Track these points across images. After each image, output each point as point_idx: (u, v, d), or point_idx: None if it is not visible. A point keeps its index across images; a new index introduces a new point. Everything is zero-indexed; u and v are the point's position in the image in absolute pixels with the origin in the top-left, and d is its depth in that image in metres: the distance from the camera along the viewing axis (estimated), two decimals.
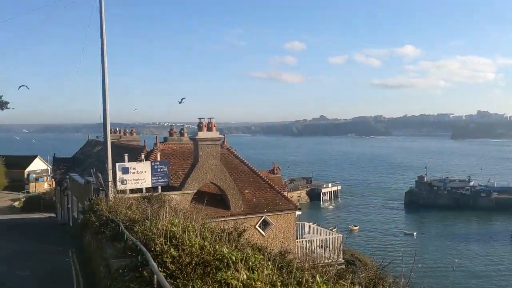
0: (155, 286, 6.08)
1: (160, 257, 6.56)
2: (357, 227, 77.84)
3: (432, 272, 50.08)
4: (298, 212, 26.54)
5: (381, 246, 64.09)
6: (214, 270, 5.97)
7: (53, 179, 55.20)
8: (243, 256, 5.78)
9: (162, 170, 21.41)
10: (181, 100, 27.51)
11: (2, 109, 53.69)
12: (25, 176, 78.83)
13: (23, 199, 62.57)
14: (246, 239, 9.73)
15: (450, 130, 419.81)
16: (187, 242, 6.84)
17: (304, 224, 29.14)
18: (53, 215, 47.49)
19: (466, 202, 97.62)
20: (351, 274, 6.28)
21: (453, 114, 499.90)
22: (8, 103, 54.51)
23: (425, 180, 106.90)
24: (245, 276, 4.86)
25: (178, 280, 5.99)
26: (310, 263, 6.88)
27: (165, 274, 5.98)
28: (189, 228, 7.75)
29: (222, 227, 9.64)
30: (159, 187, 21.12)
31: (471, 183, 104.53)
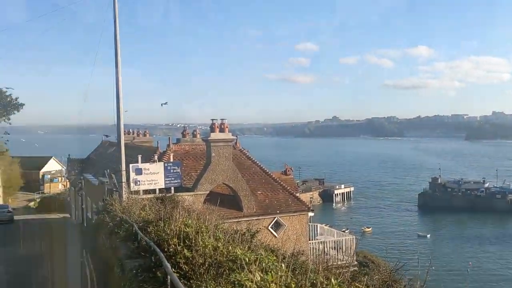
0: (169, 287, 6.09)
1: (173, 258, 6.59)
2: (370, 229, 77.31)
3: (446, 274, 49.56)
4: (310, 214, 26.45)
5: (395, 248, 63.59)
6: (227, 271, 5.97)
7: (67, 180, 55.85)
8: (257, 258, 5.77)
9: (175, 171, 21.51)
10: (163, 104, 27.58)
11: (18, 111, 54.57)
12: (40, 176, 79.85)
13: (38, 200, 63.38)
14: (259, 240, 9.73)
15: (465, 131, 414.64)
16: (201, 243, 6.86)
17: (316, 225, 29.03)
18: (67, 215, 48.02)
19: (481, 204, 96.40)
20: (365, 276, 6.24)
21: (467, 115, 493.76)
22: (24, 104, 55.38)
23: (439, 181, 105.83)
24: (259, 278, 4.85)
25: (191, 281, 6.00)
26: (324, 265, 6.85)
27: (178, 275, 6.00)
28: (202, 229, 7.76)
29: (235, 228, 9.65)
30: (172, 188, 21.22)
31: (486, 185, 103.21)
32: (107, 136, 39.87)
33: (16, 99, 53.43)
